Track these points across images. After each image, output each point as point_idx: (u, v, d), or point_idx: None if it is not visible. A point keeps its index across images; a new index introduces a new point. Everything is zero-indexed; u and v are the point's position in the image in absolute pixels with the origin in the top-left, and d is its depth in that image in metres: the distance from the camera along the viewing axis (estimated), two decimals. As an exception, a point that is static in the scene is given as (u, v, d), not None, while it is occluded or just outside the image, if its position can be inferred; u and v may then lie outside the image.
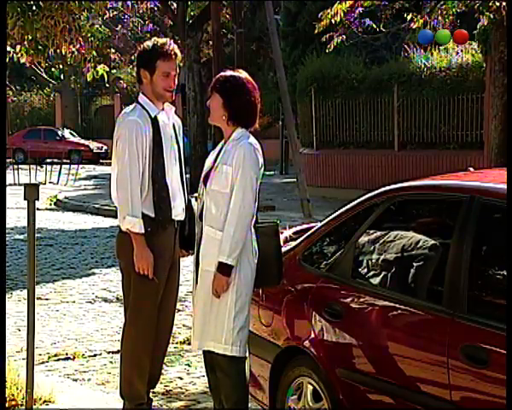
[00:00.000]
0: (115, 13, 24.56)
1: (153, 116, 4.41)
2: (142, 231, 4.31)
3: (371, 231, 4.11)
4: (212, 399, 4.50)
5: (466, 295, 3.43)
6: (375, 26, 12.35)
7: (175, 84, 4.46)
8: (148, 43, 4.46)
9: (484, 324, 3.32)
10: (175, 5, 19.55)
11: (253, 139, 4.27)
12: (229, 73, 4.35)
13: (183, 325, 7.39)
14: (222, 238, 4.15)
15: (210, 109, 4.35)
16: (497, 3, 10.34)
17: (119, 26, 28.56)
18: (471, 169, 4.55)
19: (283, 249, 4.55)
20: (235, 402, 4.26)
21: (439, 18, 10.69)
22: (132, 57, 31.10)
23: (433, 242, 3.85)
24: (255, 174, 4.20)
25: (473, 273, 3.46)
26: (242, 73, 4.34)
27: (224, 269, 4.14)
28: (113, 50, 8.78)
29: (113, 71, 32.90)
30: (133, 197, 4.30)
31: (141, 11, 27.18)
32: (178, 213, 4.48)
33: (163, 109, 4.50)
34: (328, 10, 11.20)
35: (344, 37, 11.82)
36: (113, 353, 6.57)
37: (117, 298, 8.69)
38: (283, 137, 24.02)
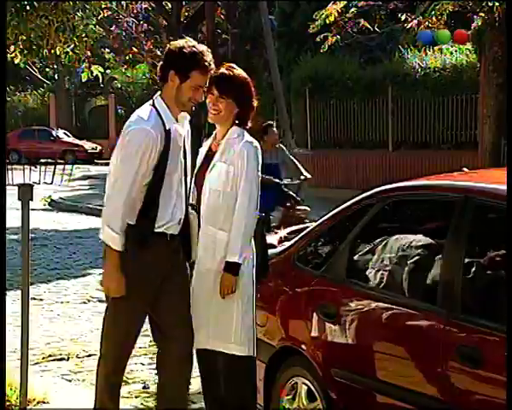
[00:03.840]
0: (110, 13, 24.53)
1: (167, 128, 4.00)
2: (119, 249, 3.92)
3: (366, 232, 4.12)
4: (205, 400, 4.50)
5: (460, 295, 3.43)
6: (369, 26, 12.37)
7: (202, 98, 4.12)
8: (185, 47, 3.97)
9: (478, 324, 3.33)
10: (170, 5, 19.54)
11: (250, 137, 4.27)
12: (230, 70, 4.26)
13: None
14: (230, 238, 4.10)
15: (216, 109, 4.22)
16: (490, 3, 10.37)
17: (114, 26, 28.50)
18: (465, 169, 4.56)
19: (278, 249, 4.55)
20: (244, 398, 4.26)
21: (433, 18, 10.71)
22: (127, 57, 31.11)
23: (427, 242, 3.86)
24: (258, 173, 4.20)
25: (467, 273, 3.47)
26: (238, 69, 4.31)
27: (233, 268, 4.08)
28: (107, 50, 8.77)
29: (108, 71, 32.87)
30: (120, 212, 3.91)
31: (135, 11, 27.17)
32: (171, 225, 4.07)
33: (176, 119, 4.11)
34: (323, 11, 11.22)
35: (338, 37, 11.84)
36: (107, 353, 6.55)
37: (111, 298, 8.69)
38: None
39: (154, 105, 4.04)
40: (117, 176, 3.95)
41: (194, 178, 4.31)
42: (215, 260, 4.16)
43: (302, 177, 10.35)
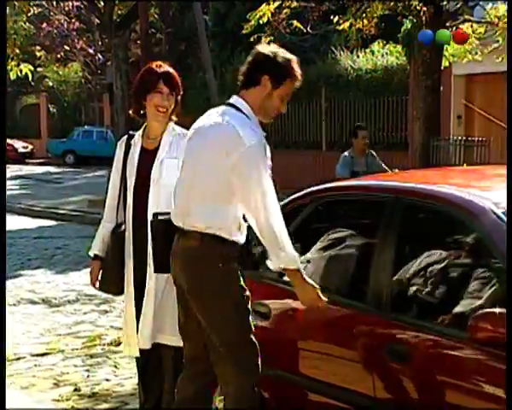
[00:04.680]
0: (40, 10, 24.12)
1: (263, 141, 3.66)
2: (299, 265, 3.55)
3: (299, 232, 4.15)
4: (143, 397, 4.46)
5: (390, 294, 3.49)
6: (302, 27, 12.47)
7: (284, 110, 3.84)
8: (280, 53, 3.74)
9: (408, 323, 3.39)
10: (102, 3, 19.31)
11: (186, 130, 4.33)
12: (169, 67, 4.33)
13: (111, 327, 7.32)
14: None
15: (166, 107, 4.25)
16: (419, 7, 10.58)
17: (45, 23, 28.03)
18: (396, 170, 4.65)
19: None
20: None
21: (365, 21, 10.86)
22: (59, 55, 30.63)
23: (359, 242, 3.92)
24: None
25: (396, 272, 3.53)
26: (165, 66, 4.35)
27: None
28: (38, 48, 8.62)
29: (39, 69, 32.30)
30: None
31: (67, 8, 26.77)
32: None
33: None
34: (256, 11, 11.27)
35: (272, 38, 11.90)
36: (38, 355, 6.45)
37: (43, 300, 8.55)
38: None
39: (244, 113, 3.67)
40: (269, 193, 3.59)
41: (135, 177, 4.28)
42: None
43: None
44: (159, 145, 4.32)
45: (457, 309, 3.26)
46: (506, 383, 2.78)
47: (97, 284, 4.46)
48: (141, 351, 4.30)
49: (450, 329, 3.22)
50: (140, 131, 4.43)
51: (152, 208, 4.13)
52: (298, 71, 3.74)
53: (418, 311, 3.44)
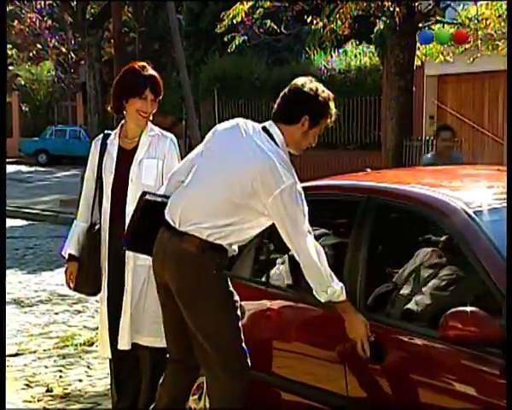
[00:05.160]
0: (11, 8, 23.91)
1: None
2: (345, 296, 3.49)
3: (273, 232, 4.15)
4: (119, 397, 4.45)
5: (363, 292, 3.51)
6: (276, 27, 12.48)
7: (314, 143, 3.78)
8: (320, 92, 3.65)
9: (380, 321, 3.41)
10: (75, 2, 19.18)
11: (163, 131, 4.36)
12: (153, 70, 4.31)
13: (84, 327, 7.27)
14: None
15: (148, 112, 4.26)
16: (391, 8, 10.63)
17: (16, 21, 27.77)
18: (368, 170, 4.66)
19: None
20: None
21: (338, 21, 10.89)
22: (31, 54, 30.38)
23: (332, 241, 3.94)
24: None
25: (369, 271, 3.55)
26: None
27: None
28: (10, 46, 8.54)
29: (11, 68, 32.00)
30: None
31: (39, 7, 26.56)
32: None
33: None
34: (230, 10, 11.25)
35: (246, 37, 11.89)
36: (9, 356, 6.38)
37: (14, 300, 8.47)
38: (187, 136, 23.96)
39: (276, 143, 3.59)
40: (308, 231, 3.52)
41: (113, 176, 4.26)
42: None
43: None
44: (137, 145, 4.30)
45: (430, 308, 3.29)
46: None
47: (72, 284, 4.42)
48: (117, 351, 4.28)
49: (423, 328, 3.24)
50: (117, 130, 4.39)
51: (129, 208, 4.09)
52: (333, 110, 3.70)
53: (391, 310, 3.45)
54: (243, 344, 3.62)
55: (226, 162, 3.59)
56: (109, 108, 4.40)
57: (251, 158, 3.51)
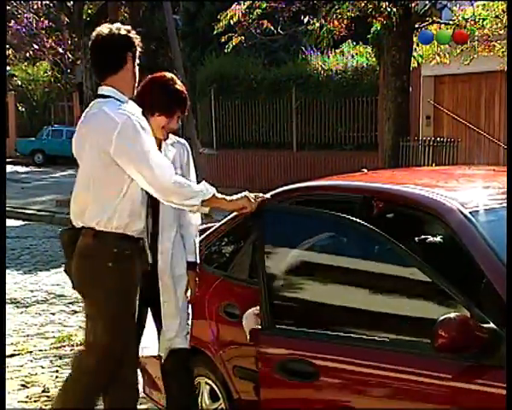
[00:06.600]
0: (8, 8, 23.87)
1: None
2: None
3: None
4: None
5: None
6: (272, 28, 12.50)
7: None
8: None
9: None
10: (71, 2, 19.17)
11: None
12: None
13: (81, 327, 7.26)
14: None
15: None
16: (389, 9, 10.65)
17: (13, 21, 27.75)
18: (364, 170, 4.66)
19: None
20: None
21: (335, 22, 10.91)
22: (27, 54, 30.36)
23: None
24: None
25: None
26: None
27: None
28: (6, 46, 8.53)
29: (7, 68, 31.96)
30: None
31: (35, 7, 26.54)
32: None
33: None
34: (227, 11, 11.27)
35: (242, 38, 11.91)
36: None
37: (10, 300, 8.46)
38: (184, 136, 23.99)
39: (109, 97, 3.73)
40: (154, 155, 3.61)
41: None
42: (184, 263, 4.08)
43: None
44: None
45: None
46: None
47: None
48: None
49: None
50: None
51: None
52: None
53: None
54: (133, 344, 3.70)
55: (84, 153, 3.71)
56: None
57: (91, 130, 3.65)
